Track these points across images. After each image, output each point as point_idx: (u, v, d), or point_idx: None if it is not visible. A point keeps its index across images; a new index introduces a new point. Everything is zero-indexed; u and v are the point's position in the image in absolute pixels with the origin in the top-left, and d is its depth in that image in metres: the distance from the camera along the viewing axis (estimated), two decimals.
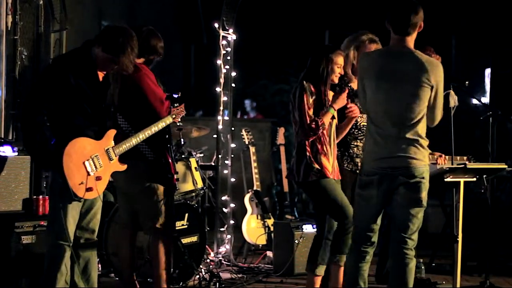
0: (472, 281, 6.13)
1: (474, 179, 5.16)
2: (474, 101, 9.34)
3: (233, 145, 7.19)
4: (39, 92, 4.19)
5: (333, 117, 4.96)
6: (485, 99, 9.70)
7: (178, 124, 6.05)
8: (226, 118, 7.13)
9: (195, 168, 6.12)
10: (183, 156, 6.13)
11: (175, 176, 4.88)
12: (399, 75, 4.11)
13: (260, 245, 7.17)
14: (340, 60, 4.95)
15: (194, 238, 5.87)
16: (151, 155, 4.79)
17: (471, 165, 4.94)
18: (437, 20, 12.71)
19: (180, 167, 5.95)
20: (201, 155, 6.84)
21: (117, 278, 5.68)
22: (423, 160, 4.14)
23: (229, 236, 6.97)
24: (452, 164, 4.97)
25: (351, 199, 4.72)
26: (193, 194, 6.25)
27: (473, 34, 12.37)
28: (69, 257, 4.27)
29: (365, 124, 4.75)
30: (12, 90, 6.36)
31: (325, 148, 4.86)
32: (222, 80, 7.03)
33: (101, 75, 4.34)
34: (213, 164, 7.19)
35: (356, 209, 4.38)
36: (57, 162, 4.07)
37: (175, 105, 4.82)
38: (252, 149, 7.68)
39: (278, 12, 15.56)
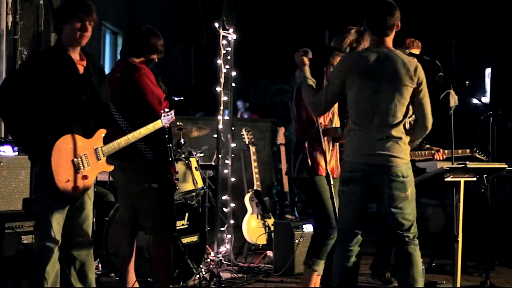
0: (472, 281, 6.13)
1: (474, 179, 5.16)
2: (475, 101, 9.33)
3: (233, 145, 7.18)
4: (15, 77, 4.21)
5: (334, 117, 4.97)
6: (485, 99, 9.68)
7: (178, 124, 6.08)
8: (226, 117, 7.12)
9: (195, 167, 6.13)
10: (183, 156, 6.13)
11: (175, 176, 4.87)
12: (382, 75, 4.15)
13: (260, 245, 7.17)
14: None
15: (194, 238, 5.87)
16: (151, 155, 4.79)
17: (471, 165, 4.93)
18: (437, 20, 12.74)
19: (180, 167, 5.96)
20: (201, 154, 6.82)
21: (117, 278, 5.68)
22: (405, 158, 4.19)
23: (229, 236, 6.96)
24: (452, 164, 4.97)
25: None
26: (193, 193, 6.26)
27: (473, 34, 12.36)
28: (57, 258, 4.16)
29: None
30: None
31: (323, 146, 4.86)
32: (222, 80, 7.02)
33: (81, 68, 4.23)
34: (213, 163, 7.18)
35: (339, 207, 4.39)
36: (45, 154, 3.99)
37: (166, 110, 4.75)
38: (252, 149, 7.68)
39: (278, 12, 15.58)
